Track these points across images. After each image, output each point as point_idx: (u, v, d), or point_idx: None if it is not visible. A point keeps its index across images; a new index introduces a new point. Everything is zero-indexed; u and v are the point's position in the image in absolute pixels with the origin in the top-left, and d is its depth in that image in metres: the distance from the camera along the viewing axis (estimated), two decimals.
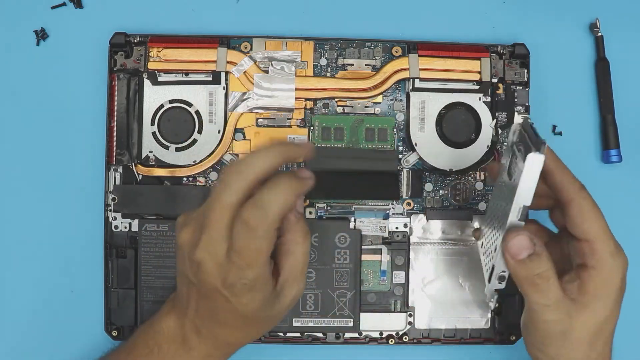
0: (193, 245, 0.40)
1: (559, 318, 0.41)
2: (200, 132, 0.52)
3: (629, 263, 0.43)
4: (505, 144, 0.53)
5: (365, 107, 0.52)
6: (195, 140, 0.52)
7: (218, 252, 0.39)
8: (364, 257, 0.52)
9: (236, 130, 0.52)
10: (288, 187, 0.39)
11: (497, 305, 0.52)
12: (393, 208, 0.53)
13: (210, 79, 0.51)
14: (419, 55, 0.52)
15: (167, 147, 0.52)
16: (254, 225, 0.38)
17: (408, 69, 0.52)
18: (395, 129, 0.52)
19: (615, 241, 0.42)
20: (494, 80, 0.52)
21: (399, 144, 0.53)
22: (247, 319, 0.42)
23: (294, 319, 0.51)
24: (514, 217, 0.39)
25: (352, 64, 0.52)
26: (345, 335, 0.52)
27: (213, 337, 0.43)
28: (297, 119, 0.52)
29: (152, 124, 0.52)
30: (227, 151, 0.52)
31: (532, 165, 0.38)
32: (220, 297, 0.40)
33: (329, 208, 0.52)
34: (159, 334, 0.44)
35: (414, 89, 0.52)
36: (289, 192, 0.39)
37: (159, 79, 0.51)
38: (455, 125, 0.52)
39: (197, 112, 0.52)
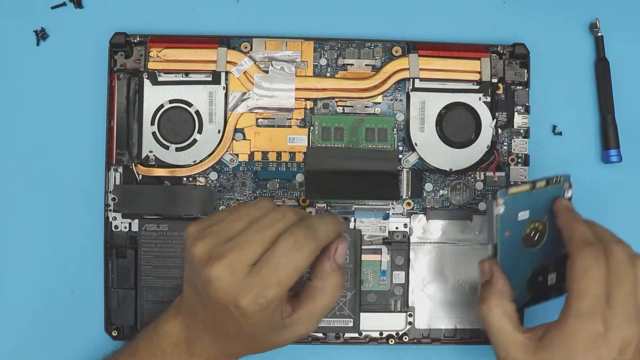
0: (208, 260, 0.40)
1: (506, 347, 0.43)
2: (200, 132, 0.52)
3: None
4: (505, 144, 0.53)
5: (365, 107, 0.52)
6: (195, 140, 0.52)
7: (241, 269, 0.39)
8: (364, 257, 0.52)
9: (236, 130, 0.52)
10: (335, 220, 0.42)
11: None
12: (393, 208, 0.53)
13: (210, 79, 0.51)
14: (419, 55, 0.52)
15: (167, 147, 0.52)
16: (301, 244, 0.39)
17: (408, 69, 0.52)
18: (395, 129, 0.53)
19: (596, 306, 0.41)
20: (494, 80, 0.52)
21: (399, 144, 0.53)
22: (251, 337, 0.42)
23: None
24: (488, 252, 0.46)
25: (352, 64, 0.52)
26: (345, 335, 0.52)
27: (217, 347, 0.43)
28: (297, 119, 0.52)
29: (152, 124, 0.52)
30: (227, 151, 0.52)
31: (490, 211, 0.45)
32: (227, 314, 0.40)
33: (329, 208, 0.52)
34: (163, 337, 0.44)
35: (414, 89, 0.52)
36: (335, 224, 0.42)
37: (159, 79, 0.51)
38: (455, 125, 0.52)
39: (197, 112, 0.52)
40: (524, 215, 0.46)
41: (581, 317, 0.41)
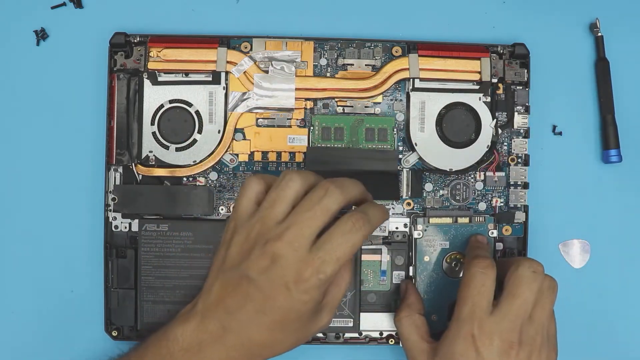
0: (266, 243, 0.42)
1: None
2: (200, 132, 0.52)
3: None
4: (505, 144, 0.53)
5: (365, 107, 0.52)
6: (195, 140, 0.52)
7: (301, 246, 0.41)
8: (364, 257, 0.52)
9: (236, 130, 0.52)
10: (384, 210, 0.45)
11: None
12: (393, 208, 0.53)
13: (210, 79, 0.51)
14: (419, 55, 0.52)
15: (167, 147, 0.52)
16: (359, 226, 0.42)
17: (408, 69, 0.52)
18: (395, 129, 0.52)
19: (475, 313, 0.45)
20: (494, 80, 0.52)
21: (399, 144, 0.53)
22: (287, 324, 0.43)
23: None
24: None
25: (352, 64, 0.52)
26: (345, 335, 0.52)
27: (239, 345, 0.43)
28: (297, 119, 0.52)
29: (152, 124, 0.52)
30: (227, 151, 0.52)
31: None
32: (281, 294, 0.41)
33: None
34: (172, 342, 0.44)
35: (414, 89, 0.52)
36: (385, 214, 0.45)
37: (159, 79, 0.51)
38: (455, 125, 0.52)
39: (197, 112, 0.52)
40: (444, 245, 0.52)
41: (460, 322, 0.45)
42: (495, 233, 0.52)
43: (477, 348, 0.44)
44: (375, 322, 0.52)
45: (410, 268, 0.52)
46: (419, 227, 0.52)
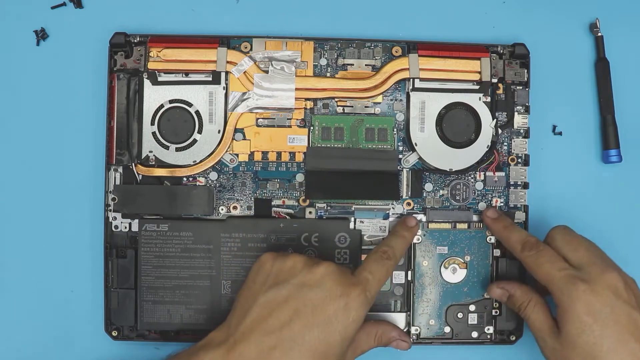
0: (314, 264, 0.44)
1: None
2: (200, 132, 0.52)
3: (616, 278, 0.45)
4: (505, 144, 0.53)
5: (365, 107, 0.52)
6: (195, 140, 0.52)
7: (345, 269, 0.45)
8: (364, 257, 0.52)
9: (236, 130, 0.52)
10: (406, 239, 0.51)
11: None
12: (393, 208, 0.53)
13: (210, 79, 0.51)
14: (419, 55, 0.52)
15: (167, 147, 0.52)
16: (389, 254, 0.47)
17: (408, 69, 0.52)
18: (395, 129, 0.52)
19: (568, 275, 0.45)
20: (494, 80, 0.52)
21: (399, 144, 0.53)
22: (330, 347, 0.43)
23: None
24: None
25: (352, 64, 0.52)
26: None
27: None
28: (297, 119, 0.52)
29: (152, 124, 0.52)
30: (227, 151, 0.52)
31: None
32: (331, 307, 0.42)
33: (329, 208, 0.52)
34: None
35: (414, 89, 0.52)
36: (407, 243, 0.51)
37: (159, 79, 0.51)
38: (455, 125, 0.52)
39: (197, 112, 0.52)
40: (442, 250, 0.52)
41: (563, 290, 0.45)
42: (493, 239, 0.52)
43: (593, 300, 0.44)
44: None
45: (409, 272, 0.52)
46: (418, 232, 0.52)
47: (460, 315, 0.52)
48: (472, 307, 0.52)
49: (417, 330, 0.52)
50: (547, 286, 0.46)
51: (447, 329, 0.52)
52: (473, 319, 0.52)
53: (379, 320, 0.51)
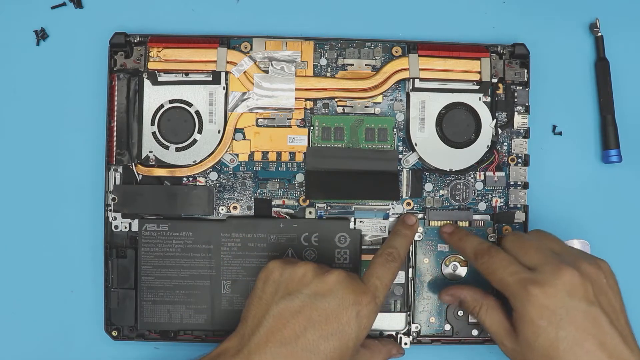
0: (325, 272, 0.44)
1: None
2: (200, 132, 0.52)
3: (574, 283, 0.43)
4: (505, 144, 0.53)
5: (365, 107, 0.52)
6: (195, 140, 0.52)
7: (357, 276, 0.45)
8: (364, 257, 0.52)
9: (236, 130, 0.52)
10: (408, 239, 0.50)
11: None
12: (393, 208, 0.53)
13: (210, 79, 0.51)
14: (419, 55, 0.52)
15: (167, 147, 0.52)
16: (394, 256, 0.47)
17: (408, 69, 0.52)
18: (395, 129, 0.53)
19: (520, 280, 0.44)
20: (494, 80, 0.52)
21: (399, 144, 0.53)
22: (345, 352, 0.43)
23: None
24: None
25: (352, 64, 0.52)
26: None
27: None
28: (297, 119, 0.52)
29: (152, 124, 0.52)
30: (227, 151, 0.52)
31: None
32: (344, 316, 0.43)
33: (329, 208, 0.52)
34: None
35: (414, 89, 0.52)
36: (409, 242, 0.51)
37: (159, 79, 0.51)
38: (455, 125, 0.52)
39: (197, 112, 0.52)
40: (443, 247, 0.52)
41: (516, 295, 0.44)
42: (494, 237, 0.52)
43: (547, 303, 0.43)
44: (375, 322, 0.52)
45: (410, 270, 0.52)
46: (419, 229, 0.52)
47: (460, 313, 0.52)
48: None
49: (417, 327, 0.52)
50: (502, 292, 0.45)
51: (448, 327, 0.52)
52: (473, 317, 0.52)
53: (374, 339, 0.51)
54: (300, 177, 0.52)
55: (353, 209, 0.52)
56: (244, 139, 0.52)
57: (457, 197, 0.53)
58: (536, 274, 0.44)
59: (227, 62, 0.51)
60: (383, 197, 0.52)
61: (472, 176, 0.53)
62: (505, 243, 0.47)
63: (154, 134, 0.52)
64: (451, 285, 0.51)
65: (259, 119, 0.52)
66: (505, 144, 0.53)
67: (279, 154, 0.52)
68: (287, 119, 0.52)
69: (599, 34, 0.54)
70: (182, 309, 0.51)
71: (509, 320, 0.46)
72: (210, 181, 0.52)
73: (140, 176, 0.52)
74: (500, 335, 0.46)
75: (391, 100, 0.53)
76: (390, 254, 0.47)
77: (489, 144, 0.52)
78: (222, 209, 0.52)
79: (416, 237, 0.52)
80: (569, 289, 0.43)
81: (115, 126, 0.51)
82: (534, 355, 0.43)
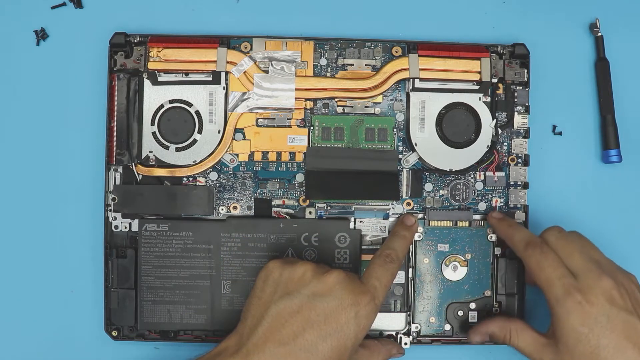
0: (325, 273, 0.44)
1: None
2: (200, 132, 0.52)
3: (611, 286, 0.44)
4: (505, 144, 0.53)
5: (365, 107, 0.52)
6: (195, 140, 0.52)
7: (356, 277, 0.45)
8: (364, 257, 0.52)
9: (236, 130, 0.52)
10: (406, 240, 0.50)
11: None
12: (393, 208, 0.53)
13: (210, 79, 0.51)
14: (419, 55, 0.52)
15: (167, 147, 0.52)
16: (392, 257, 0.47)
17: (408, 69, 0.52)
18: (395, 129, 0.53)
19: (565, 285, 0.45)
20: (494, 80, 0.52)
21: (399, 144, 0.53)
22: (343, 353, 0.43)
23: None
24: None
25: (352, 64, 0.52)
26: None
27: None
28: (297, 119, 0.52)
29: (152, 124, 0.52)
30: (227, 151, 0.52)
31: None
32: (343, 316, 0.43)
33: (329, 208, 0.52)
34: None
35: (414, 89, 0.52)
36: (408, 243, 0.51)
37: (159, 79, 0.51)
38: (455, 125, 0.52)
39: (197, 112, 0.52)
40: (443, 247, 0.52)
41: (561, 300, 0.44)
42: (494, 237, 0.52)
43: (589, 310, 0.44)
44: (375, 322, 0.52)
45: (410, 270, 0.52)
46: (419, 229, 0.52)
47: (460, 313, 0.52)
48: (472, 305, 0.52)
49: (417, 327, 0.52)
50: (543, 290, 0.46)
51: (447, 327, 0.52)
52: (473, 317, 0.52)
53: (374, 339, 0.51)
54: (300, 177, 0.52)
55: (353, 209, 0.52)
56: (244, 139, 0.52)
57: (457, 197, 0.53)
58: (579, 281, 0.45)
59: (227, 62, 0.51)
60: (383, 197, 0.52)
61: (472, 176, 0.53)
62: (548, 237, 0.47)
63: (154, 134, 0.52)
64: (477, 325, 0.51)
65: (259, 119, 0.52)
66: (505, 144, 0.53)
67: (279, 154, 0.52)
68: (287, 119, 0.52)
69: (599, 34, 0.54)
70: (182, 309, 0.51)
71: (542, 335, 0.47)
72: (210, 181, 0.52)
73: (140, 176, 0.52)
74: (538, 353, 0.47)
75: (391, 100, 0.53)
76: (389, 255, 0.47)
77: (489, 144, 0.52)
78: (222, 209, 0.52)
79: (416, 237, 0.52)
80: (610, 297, 0.44)
81: (115, 126, 0.51)
82: None
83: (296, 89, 0.52)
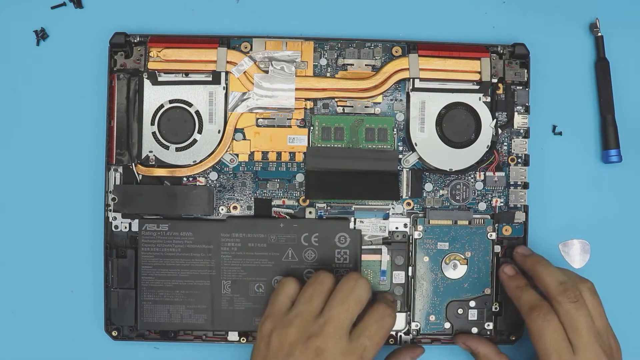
0: (308, 339, 0.44)
1: None
2: (200, 132, 0.52)
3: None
4: (505, 144, 0.53)
5: (365, 107, 0.52)
6: (195, 140, 0.52)
7: (341, 338, 0.44)
8: (364, 257, 0.52)
9: (236, 130, 0.52)
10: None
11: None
12: (393, 208, 0.53)
13: (210, 79, 0.51)
14: (419, 55, 0.52)
15: (167, 147, 0.52)
16: (390, 311, 0.46)
17: (408, 69, 0.52)
18: (395, 129, 0.53)
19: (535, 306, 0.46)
20: (494, 80, 0.52)
21: (399, 144, 0.53)
22: None
23: None
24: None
25: (352, 64, 0.52)
26: None
27: None
28: (297, 119, 0.52)
29: (152, 124, 0.52)
30: (227, 151, 0.52)
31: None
32: None
33: (329, 208, 0.52)
34: None
35: (414, 89, 0.52)
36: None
37: (159, 79, 0.51)
38: (455, 125, 0.52)
39: (197, 112, 0.52)
40: (443, 245, 0.52)
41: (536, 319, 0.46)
42: (494, 235, 0.52)
43: None
44: None
45: (410, 268, 0.52)
46: (419, 227, 0.52)
47: (460, 311, 0.52)
48: (472, 303, 0.52)
49: (417, 325, 0.52)
50: (539, 358, 0.46)
51: (447, 325, 0.52)
52: (473, 315, 0.52)
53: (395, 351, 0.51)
54: (300, 177, 0.52)
55: (353, 209, 0.52)
56: (244, 139, 0.52)
57: (457, 197, 0.53)
58: (578, 358, 0.45)
59: (227, 62, 0.51)
60: (383, 197, 0.52)
61: (472, 176, 0.53)
62: (560, 306, 0.46)
63: (154, 134, 0.52)
64: (469, 335, 0.51)
65: (259, 119, 0.52)
66: (505, 144, 0.53)
67: (279, 154, 0.52)
68: (287, 119, 0.52)
69: (599, 34, 0.54)
70: (182, 309, 0.51)
71: None
72: (210, 181, 0.52)
73: (140, 176, 0.52)
74: None
75: (391, 100, 0.53)
76: (386, 308, 0.46)
77: (489, 144, 0.52)
78: (222, 209, 0.52)
79: (416, 236, 0.52)
80: None
81: (115, 126, 0.51)
82: None
83: (296, 89, 0.52)
